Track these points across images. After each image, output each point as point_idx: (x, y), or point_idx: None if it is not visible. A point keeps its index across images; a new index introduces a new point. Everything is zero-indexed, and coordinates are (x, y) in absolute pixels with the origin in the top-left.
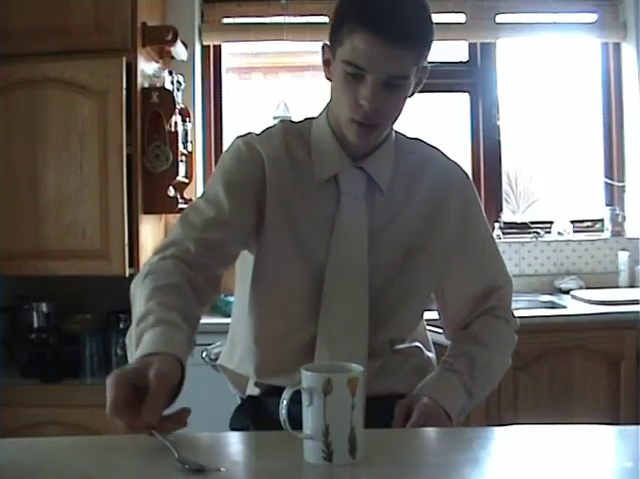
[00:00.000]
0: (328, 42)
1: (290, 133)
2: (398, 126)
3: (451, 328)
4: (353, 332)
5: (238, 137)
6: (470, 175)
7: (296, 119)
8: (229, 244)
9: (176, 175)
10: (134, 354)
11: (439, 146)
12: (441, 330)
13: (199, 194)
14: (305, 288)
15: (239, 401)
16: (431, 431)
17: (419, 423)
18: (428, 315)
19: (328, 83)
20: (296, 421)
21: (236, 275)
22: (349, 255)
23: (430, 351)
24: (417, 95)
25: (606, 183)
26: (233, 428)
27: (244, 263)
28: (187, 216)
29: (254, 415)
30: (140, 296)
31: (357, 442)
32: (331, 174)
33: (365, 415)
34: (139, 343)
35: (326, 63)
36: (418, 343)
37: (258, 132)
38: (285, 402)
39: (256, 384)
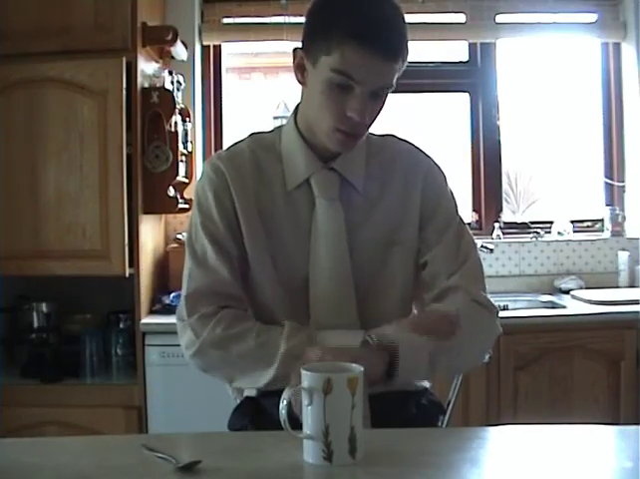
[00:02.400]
0: (304, 46)
1: (259, 145)
2: (395, 126)
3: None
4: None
5: (208, 160)
6: (439, 164)
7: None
8: (238, 271)
9: (176, 175)
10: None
11: (438, 146)
12: None
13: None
14: (291, 296)
15: (238, 402)
16: (430, 431)
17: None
18: None
19: None
20: (296, 421)
21: None
22: (329, 257)
23: None
24: (417, 95)
25: (606, 183)
26: (232, 428)
27: None
28: (195, 257)
29: (253, 415)
30: (255, 331)
31: (357, 442)
32: (302, 178)
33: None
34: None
35: (299, 68)
36: None
37: (225, 149)
38: (285, 402)
39: None
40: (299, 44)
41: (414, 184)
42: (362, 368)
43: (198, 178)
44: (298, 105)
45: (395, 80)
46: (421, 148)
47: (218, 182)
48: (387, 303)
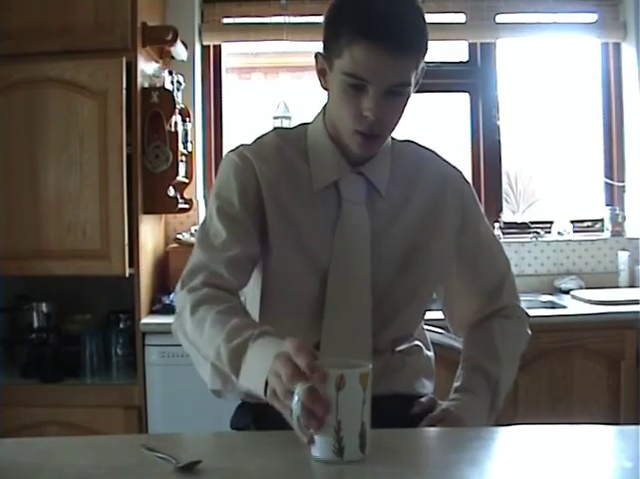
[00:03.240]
0: (322, 51)
1: (284, 140)
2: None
3: (459, 327)
4: (356, 338)
5: (230, 151)
6: (465, 174)
7: (292, 124)
8: (248, 259)
9: (176, 175)
10: (235, 369)
11: (438, 146)
12: (441, 330)
13: (199, 195)
14: (309, 294)
15: (239, 401)
16: (431, 431)
17: (437, 419)
18: (427, 315)
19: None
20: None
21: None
22: (352, 260)
23: (429, 350)
24: (417, 95)
25: (606, 183)
26: (234, 427)
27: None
28: (203, 239)
29: (255, 414)
30: (209, 321)
31: (367, 437)
32: (331, 181)
33: None
34: (242, 356)
35: (321, 72)
36: (418, 342)
37: (250, 142)
38: (297, 398)
39: None
40: (299, 44)
41: (442, 196)
42: (371, 364)
43: (220, 167)
44: (326, 105)
45: (414, 78)
46: (442, 155)
47: (244, 167)
48: (401, 308)
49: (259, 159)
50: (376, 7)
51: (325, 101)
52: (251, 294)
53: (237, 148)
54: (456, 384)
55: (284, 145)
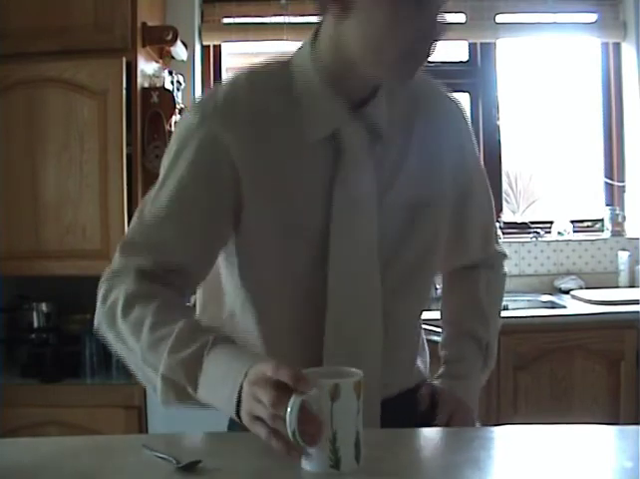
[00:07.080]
0: None
1: (268, 87)
2: None
3: (441, 269)
4: (366, 333)
5: (196, 114)
6: (463, 106)
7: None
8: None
9: None
10: (192, 382)
11: None
12: (440, 330)
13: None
14: (304, 274)
15: None
16: (431, 431)
17: (442, 423)
18: (427, 315)
19: None
20: None
21: (222, 268)
22: (354, 227)
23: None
24: None
25: (606, 183)
26: (231, 422)
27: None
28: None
29: None
30: (148, 322)
31: (361, 447)
32: (330, 130)
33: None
34: (198, 369)
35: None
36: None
37: (221, 99)
38: (291, 410)
39: None
40: (299, 44)
41: (444, 135)
42: (361, 372)
43: (177, 131)
44: (314, 41)
45: None
46: (439, 85)
47: (216, 161)
48: (412, 275)
49: (232, 132)
50: None
51: (310, 39)
52: (231, 274)
53: (204, 115)
54: (445, 352)
55: (268, 92)
